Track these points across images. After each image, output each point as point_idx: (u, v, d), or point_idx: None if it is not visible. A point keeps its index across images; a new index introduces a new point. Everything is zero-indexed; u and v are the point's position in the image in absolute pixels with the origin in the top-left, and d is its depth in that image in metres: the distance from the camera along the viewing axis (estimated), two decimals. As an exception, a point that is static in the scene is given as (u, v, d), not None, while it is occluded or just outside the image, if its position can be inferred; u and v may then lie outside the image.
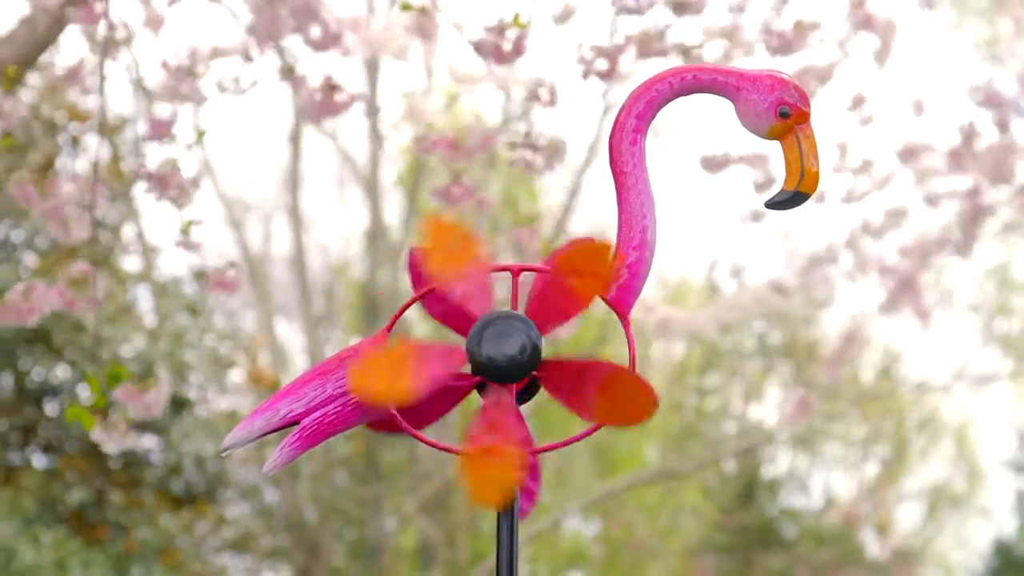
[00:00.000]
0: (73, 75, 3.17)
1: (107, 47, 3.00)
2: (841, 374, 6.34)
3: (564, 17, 3.10)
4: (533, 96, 3.06)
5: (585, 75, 3.00)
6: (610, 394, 1.27)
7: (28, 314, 3.05)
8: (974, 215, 4.42)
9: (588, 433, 1.39)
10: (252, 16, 3.06)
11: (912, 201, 4.54)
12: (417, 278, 1.38)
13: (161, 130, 3.07)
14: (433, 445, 1.43)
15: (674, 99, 1.41)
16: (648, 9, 2.93)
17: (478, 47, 2.92)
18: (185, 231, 3.11)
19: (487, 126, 3.26)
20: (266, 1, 2.97)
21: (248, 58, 3.15)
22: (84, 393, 6.74)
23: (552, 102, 3.06)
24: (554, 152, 3.04)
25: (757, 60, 3.18)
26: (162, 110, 3.10)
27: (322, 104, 3.13)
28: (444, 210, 3.14)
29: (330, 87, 3.12)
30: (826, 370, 6.63)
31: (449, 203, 3.16)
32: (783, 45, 3.15)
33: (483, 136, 3.17)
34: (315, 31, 3.07)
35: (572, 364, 1.33)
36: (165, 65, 3.08)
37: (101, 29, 2.99)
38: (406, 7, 3.03)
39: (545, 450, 1.40)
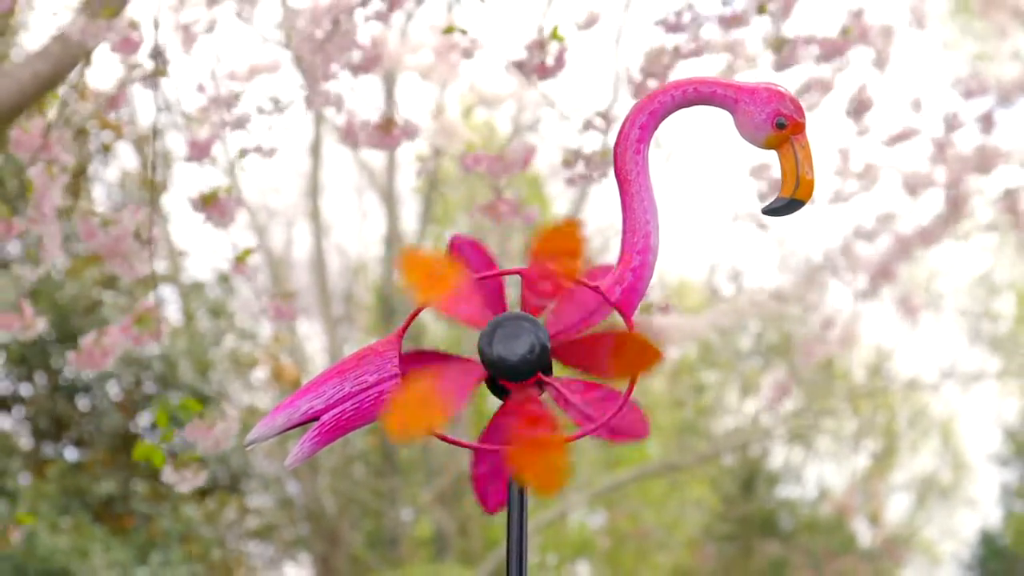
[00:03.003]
0: (113, 102, 3.13)
1: (146, 77, 2.98)
2: (818, 356, 6.28)
3: (589, 23, 3.02)
4: (588, 124, 2.99)
5: (636, 96, 2.94)
6: (622, 354, 1.29)
7: (103, 359, 3.04)
8: (954, 204, 4.40)
9: (621, 406, 1.39)
10: (300, 57, 3.02)
11: (896, 197, 4.53)
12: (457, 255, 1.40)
13: (200, 152, 3.04)
14: (463, 445, 1.43)
15: (676, 111, 1.41)
16: (690, 26, 2.89)
17: (520, 66, 2.88)
18: (241, 259, 3.08)
19: (527, 142, 3.20)
20: (317, 47, 2.93)
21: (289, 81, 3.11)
22: (114, 390, 6.75)
23: (607, 128, 3.00)
24: (605, 162, 3.00)
25: (760, 72, 3.16)
26: (201, 132, 3.07)
27: (379, 138, 3.08)
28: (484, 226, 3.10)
29: (388, 122, 3.08)
30: (805, 354, 6.57)
31: (495, 219, 3.12)
32: (788, 57, 3.14)
33: (525, 151, 3.13)
34: (356, 55, 3.03)
35: (583, 340, 1.34)
36: (202, 89, 3.05)
37: (140, 58, 2.96)
38: (449, 30, 3.00)
39: (577, 437, 1.40)
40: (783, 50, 2.94)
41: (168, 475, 2.87)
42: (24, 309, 3.08)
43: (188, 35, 3.17)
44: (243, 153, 3.06)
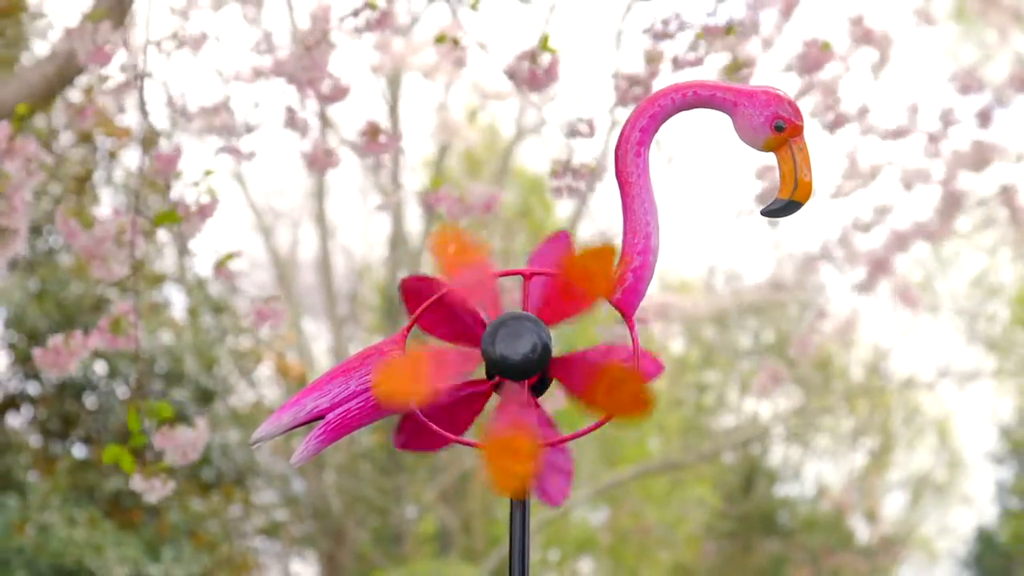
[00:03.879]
0: (79, 114, 3.07)
1: (123, 87, 2.94)
2: (811, 349, 6.27)
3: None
4: (573, 131, 2.95)
5: (622, 102, 2.90)
6: (613, 392, 1.28)
7: (69, 360, 2.99)
8: (951, 201, 4.40)
9: (597, 426, 1.39)
10: (292, 64, 2.99)
11: (894, 192, 4.52)
12: (410, 303, 1.38)
13: (166, 165, 2.97)
14: (455, 440, 1.43)
15: (676, 113, 1.41)
16: (679, 33, 2.86)
17: (511, 74, 2.85)
18: (222, 264, 3.02)
19: (491, 190, 3.15)
20: (305, 49, 2.91)
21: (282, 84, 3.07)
22: (120, 388, 6.75)
23: (591, 133, 2.94)
24: (593, 175, 2.97)
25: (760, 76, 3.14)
26: (167, 145, 3.01)
27: (366, 145, 3.04)
28: (457, 222, 3.06)
29: (373, 130, 3.04)
30: (797, 345, 6.56)
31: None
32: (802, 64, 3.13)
33: (487, 198, 3.08)
34: (326, 85, 2.99)
35: (581, 362, 1.33)
36: (172, 104, 3.01)
37: (117, 71, 2.93)
38: (441, 39, 2.98)
39: (557, 443, 1.40)
40: (740, 72, 2.90)
41: (137, 483, 2.76)
42: None
43: (183, 43, 3.14)
44: (208, 172, 2.97)
